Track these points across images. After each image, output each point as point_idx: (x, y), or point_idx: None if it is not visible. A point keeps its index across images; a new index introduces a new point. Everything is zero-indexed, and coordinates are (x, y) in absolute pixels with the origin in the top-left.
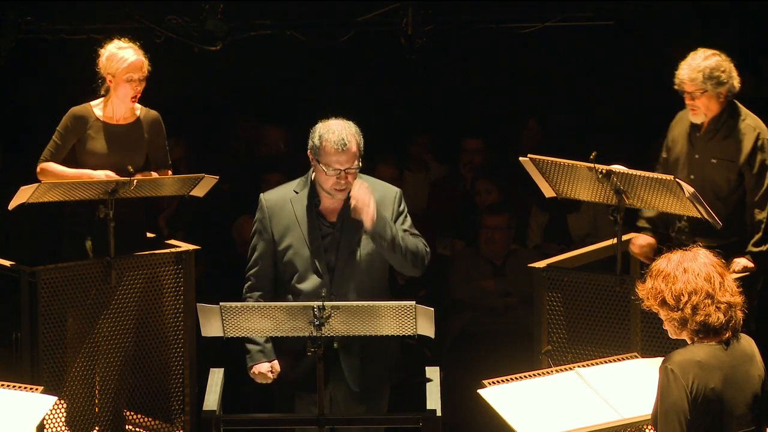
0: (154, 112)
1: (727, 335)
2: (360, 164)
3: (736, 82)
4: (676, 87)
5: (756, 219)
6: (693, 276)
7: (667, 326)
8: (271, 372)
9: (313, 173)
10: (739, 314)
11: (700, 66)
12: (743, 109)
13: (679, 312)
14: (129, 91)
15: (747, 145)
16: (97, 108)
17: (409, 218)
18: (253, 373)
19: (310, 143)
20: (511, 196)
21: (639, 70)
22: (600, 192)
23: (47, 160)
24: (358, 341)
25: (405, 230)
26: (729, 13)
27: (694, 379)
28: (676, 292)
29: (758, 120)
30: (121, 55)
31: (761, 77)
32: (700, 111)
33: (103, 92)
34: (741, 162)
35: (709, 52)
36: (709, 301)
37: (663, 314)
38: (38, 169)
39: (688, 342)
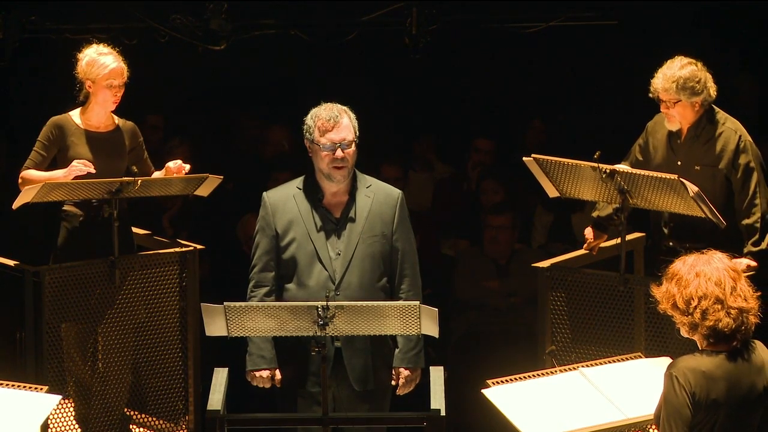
0: (130, 123)
1: (735, 343)
2: (356, 141)
3: (712, 91)
4: (650, 95)
5: (748, 222)
6: (704, 280)
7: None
8: (273, 379)
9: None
10: (752, 320)
11: (674, 76)
12: (722, 113)
13: (689, 317)
14: (109, 96)
15: (729, 149)
16: (76, 116)
17: (408, 224)
18: (252, 376)
19: (304, 128)
20: (516, 196)
21: (643, 69)
22: (604, 192)
23: (28, 169)
24: (360, 340)
25: (402, 291)
26: (733, 14)
27: (697, 387)
28: (686, 296)
29: (737, 123)
30: (102, 61)
31: (764, 78)
32: (675, 119)
33: (81, 98)
34: (725, 166)
35: (686, 60)
36: (719, 306)
37: (676, 318)
38: (19, 179)
39: (699, 345)
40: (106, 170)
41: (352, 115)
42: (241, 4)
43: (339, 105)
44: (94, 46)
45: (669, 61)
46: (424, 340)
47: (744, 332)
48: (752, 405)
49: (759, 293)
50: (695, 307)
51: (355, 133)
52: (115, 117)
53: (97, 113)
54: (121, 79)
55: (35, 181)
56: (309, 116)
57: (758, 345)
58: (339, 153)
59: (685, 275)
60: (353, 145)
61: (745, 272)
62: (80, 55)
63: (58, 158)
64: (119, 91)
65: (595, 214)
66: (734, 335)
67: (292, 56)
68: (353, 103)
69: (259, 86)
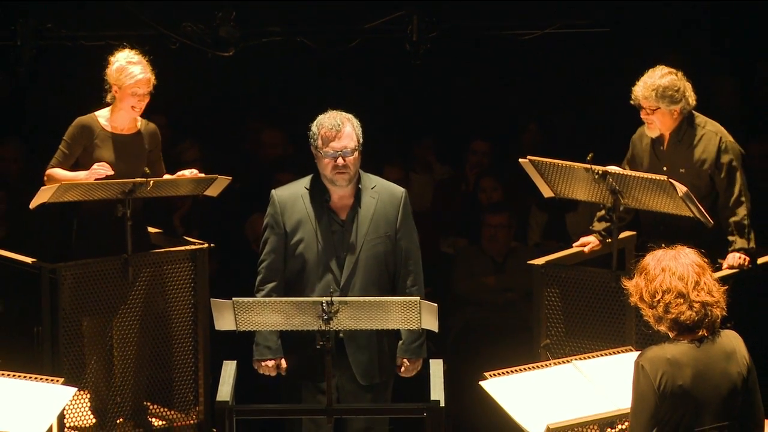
0: (153, 125)
1: (701, 333)
2: (359, 149)
3: (691, 100)
4: (632, 102)
5: (735, 219)
6: (668, 275)
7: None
8: (278, 368)
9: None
10: (716, 312)
11: (654, 84)
12: (701, 117)
13: (654, 310)
14: (133, 103)
15: (712, 150)
16: (102, 118)
17: (412, 221)
18: (258, 365)
19: (310, 134)
20: (512, 196)
21: (634, 75)
22: (596, 192)
23: (53, 167)
24: (363, 336)
25: (407, 286)
26: (725, 20)
27: (663, 375)
28: (651, 290)
29: (718, 125)
30: (130, 70)
31: (755, 82)
32: (655, 126)
33: (108, 99)
34: (709, 167)
35: (666, 70)
36: (681, 300)
37: (643, 310)
38: (45, 177)
39: (670, 336)
40: (128, 171)
41: (356, 123)
42: (249, 12)
43: (343, 113)
44: (126, 51)
45: (650, 70)
46: (426, 333)
47: (708, 324)
48: (729, 393)
49: (725, 287)
50: (659, 301)
51: (358, 140)
52: (139, 119)
53: (121, 117)
54: (146, 89)
55: (60, 180)
56: (314, 124)
57: (728, 333)
58: (340, 161)
59: (652, 270)
60: (355, 152)
61: (736, 268)
62: (112, 59)
63: (81, 158)
64: (143, 99)
65: (599, 228)
66: (698, 327)
67: (298, 62)
68: (355, 107)
69: (266, 91)
